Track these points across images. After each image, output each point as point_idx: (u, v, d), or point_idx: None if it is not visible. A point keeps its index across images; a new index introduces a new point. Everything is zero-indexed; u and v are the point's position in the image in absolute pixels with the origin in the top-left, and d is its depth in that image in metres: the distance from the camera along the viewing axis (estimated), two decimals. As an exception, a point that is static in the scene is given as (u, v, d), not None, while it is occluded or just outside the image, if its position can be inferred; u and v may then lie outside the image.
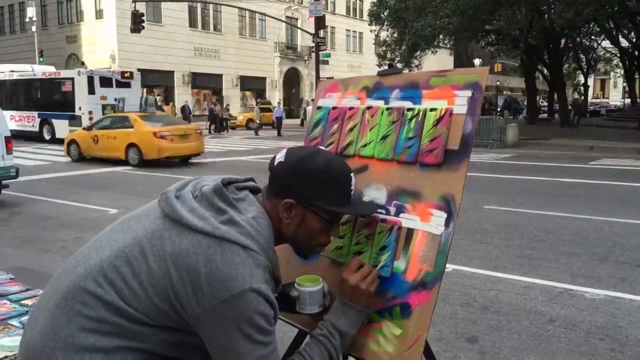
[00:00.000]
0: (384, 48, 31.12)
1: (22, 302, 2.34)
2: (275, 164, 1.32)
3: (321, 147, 1.62)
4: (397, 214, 1.54)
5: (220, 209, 1.23)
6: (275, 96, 41.98)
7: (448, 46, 37.59)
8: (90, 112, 18.06)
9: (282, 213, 1.29)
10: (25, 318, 2.11)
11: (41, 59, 31.41)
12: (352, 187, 1.35)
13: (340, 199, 1.32)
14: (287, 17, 41.90)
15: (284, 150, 1.34)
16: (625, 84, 43.03)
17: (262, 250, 1.21)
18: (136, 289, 1.19)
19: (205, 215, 1.22)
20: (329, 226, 1.34)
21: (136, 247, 1.22)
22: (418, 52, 29.11)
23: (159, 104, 36.99)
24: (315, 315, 1.46)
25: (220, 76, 39.89)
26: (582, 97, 38.30)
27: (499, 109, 35.92)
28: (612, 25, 27.88)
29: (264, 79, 43.14)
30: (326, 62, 29.38)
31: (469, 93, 1.44)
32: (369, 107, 1.73)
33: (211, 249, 1.17)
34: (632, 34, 28.26)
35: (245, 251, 1.18)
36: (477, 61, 42.24)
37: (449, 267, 5.28)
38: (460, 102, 1.45)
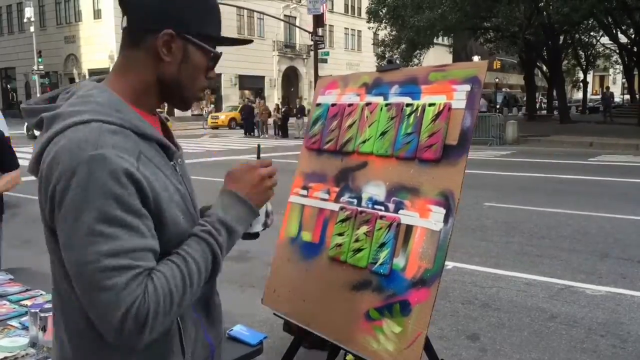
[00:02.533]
0: (382, 48, 31.09)
1: (22, 302, 2.33)
2: None
3: None
4: (396, 211, 1.53)
5: (39, 123, 1.06)
6: (274, 95, 41.94)
7: (446, 43, 37.55)
8: None
9: (162, 49, 1.07)
10: (25, 319, 2.10)
11: (39, 60, 31.38)
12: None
13: (217, 28, 1.16)
14: (285, 15, 41.85)
15: None
16: (624, 80, 42.97)
17: (96, 115, 0.99)
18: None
19: (36, 142, 1.05)
20: (211, 62, 1.15)
21: None
22: (417, 51, 29.09)
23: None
24: (256, 237, 1.30)
25: (218, 75, 39.86)
26: (610, 90, 37.23)
27: (498, 106, 35.90)
28: (611, 21, 27.84)
29: (262, 77, 43.12)
30: (325, 61, 29.31)
31: (467, 87, 1.43)
32: (368, 104, 1.72)
33: (44, 158, 1.00)
34: (631, 30, 28.22)
35: (73, 129, 0.97)
36: (475, 58, 42.10)
37: (450, 264, 5.27)
38: (459, 97, 1.43)
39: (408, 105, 1.56)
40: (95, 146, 0.94)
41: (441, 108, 1.46)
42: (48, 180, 0.97)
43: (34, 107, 1.09)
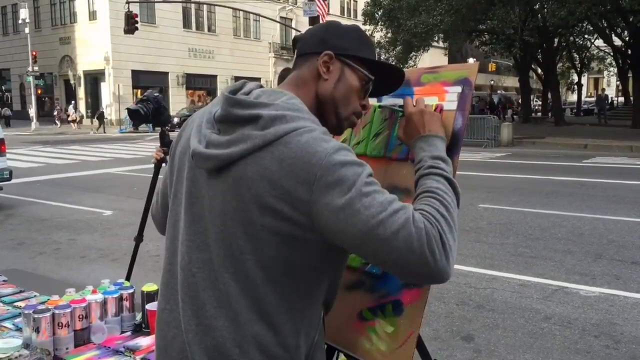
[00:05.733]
0: (378, 50, 31.20)
1: (15, 304, 2.32)
2: (303, 33, 1.32)
3: None
4: (389, 212, 1.53)
5: (251, 118, 1.10)
6: (270, 97, 41.96)
7: (442, 45, 37.66)
8: None
9: (321, 67, 1.22)
10: (18, 320, 2.09)
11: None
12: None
13: (372, 54, 1.29)
14: (281, 17, 41.88)
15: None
16: (618, 82, 43.19)
17: (314, 123, 1.11)
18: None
19: (244, 135, 1.09)
20: (364, 86, 1.28)
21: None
22: (412, 53, 29.19)
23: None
24: None
25: (214, 77, 39.84)
26: (604, 92, 37.25)
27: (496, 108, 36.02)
28: (605, 24, 27.99)
29: (258, 79, 42.94)
30: (321, 62, 29.33)
31: (459, 89, 1.44)
32: (361, 105, 1.73)
33: (275, 154, 1.05)
34: (625, 32, 28.38)
35: (304, 130, 1.07)
36: (471, 60, 42.29)
37: (444, 265, 5.28)
38: (451, 98, 1.44)
39: (400, 106, 1.57)
40: (334, 142, 1.07)
41: (433, 109, 1.47)
42: (302, 171, 1.03)
43: (242, 100, 1.14)
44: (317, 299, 1.19)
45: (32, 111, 31.36)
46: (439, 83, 1.50)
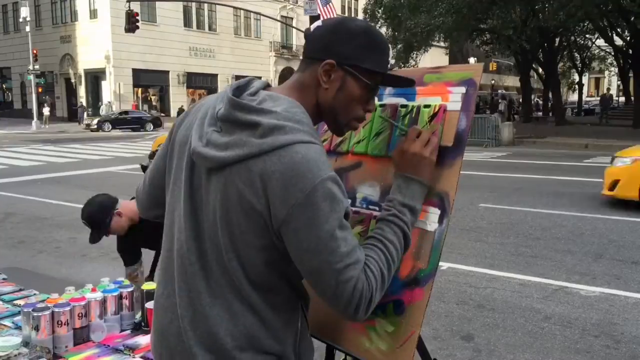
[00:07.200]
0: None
1: (15, 302, 2.32)
2: (312, 30, 1.25)
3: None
4: (390, 211, 1.52)
5: (251, 124, 1.11)
6: (270, 96, 41.95)
7: (443, 45, 37.64)
8: None
9: (322, 76, 1.19)
10: (18, 318, 2.09)
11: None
12: (390, 60, 1.27)
13: (381, 65, 1.23)
14: (282, 16, 41.86)
15: (320, 21, 1.28)
16: (619, 82, 43.17)
17: (312, 137, 1.11)
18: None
19: (241, 140, 1.10)
20: (367, 94, 1.24)
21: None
22: (413, 52, 29.18)
23: (154, 104, 37.13)
24: None
25: (215, 76, 39.83)
26: (609, 92, 36.86)
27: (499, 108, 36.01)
28: (607, 24, 27.96)
29: (259, 78, 43.01)
30: (321, 61, 29.34)
31: (463, 89, 1.43)
32: (362, 104, 1.72)
33: (267, 163, 1.06)
34: (626, 32, 28.33)
35: (301, 146, 1.08)
36: (472, 60, 42.29)
37: (445, 265, 5.28)
38: (455, 99, 1.43)
39: (403, 106, 1.56)
40: (328, 167, 1.09)
41: (436, 109, 1.46)
42: (286, 189, 1.05)
43: (244, 104, 1.14)
44: (293, 293, 1.24)
45: (46, 110, 31.60)
46: (442, 83, 1.49)
